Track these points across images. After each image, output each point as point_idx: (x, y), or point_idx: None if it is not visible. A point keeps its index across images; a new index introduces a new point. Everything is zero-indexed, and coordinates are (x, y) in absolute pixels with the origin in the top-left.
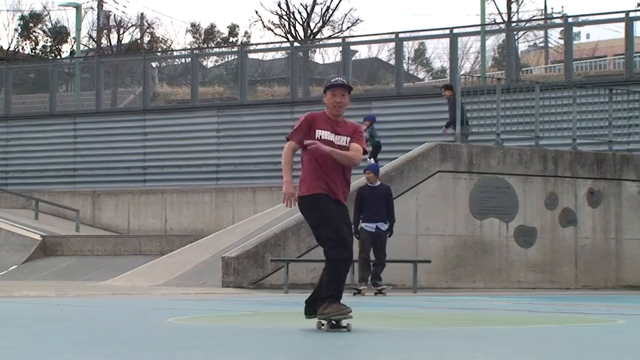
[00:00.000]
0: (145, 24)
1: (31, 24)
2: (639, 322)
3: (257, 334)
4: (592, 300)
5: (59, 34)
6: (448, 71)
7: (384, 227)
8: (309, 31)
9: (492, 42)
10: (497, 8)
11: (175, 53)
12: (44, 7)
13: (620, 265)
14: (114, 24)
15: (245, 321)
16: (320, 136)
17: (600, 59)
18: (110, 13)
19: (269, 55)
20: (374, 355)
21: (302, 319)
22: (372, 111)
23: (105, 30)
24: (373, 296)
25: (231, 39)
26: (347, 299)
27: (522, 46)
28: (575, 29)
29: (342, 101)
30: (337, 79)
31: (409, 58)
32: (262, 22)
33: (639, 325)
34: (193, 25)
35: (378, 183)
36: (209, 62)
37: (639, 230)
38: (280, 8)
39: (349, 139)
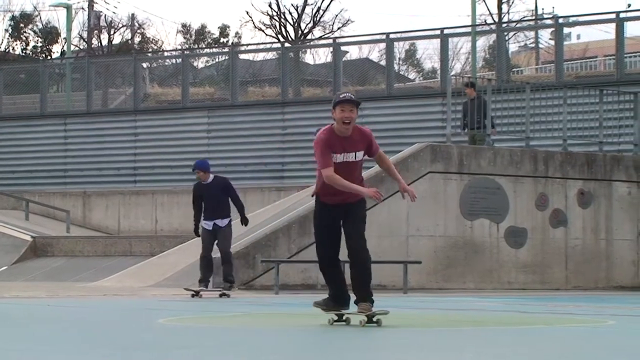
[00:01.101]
0: (136, 24)
1: (22, 25)
2: (629, 322)
3: (248, 334)
4: (582, 301)
5: (50, 34)
6: (439, 72)
7: (222, 223)
8: (300, 32)
9: (482, 42)
10: (488, 9)
11: (166, 54)
12: (35, 8)
13: (611, 266)
14: (105, 24)
15: (236, 322)
16: (336, 159)
17: (591, 59)
18: (101, 13)
19: (260, 56)
20: (364, 354)
21: (292, 319)
22: (363, 111)
23: (96, 31)
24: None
25: (222, 40)
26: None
27: (512, 47)
28: (565, 30)
29: (350, 116)
30: (345, 95)
31: (399, 59)
32: (253, 23)
33: (629, 326)
34: (184, 25)
35: (211, 178)
36: (200, 63)
37: (629, 231)
38: (271, 9)
39: (361, 153)
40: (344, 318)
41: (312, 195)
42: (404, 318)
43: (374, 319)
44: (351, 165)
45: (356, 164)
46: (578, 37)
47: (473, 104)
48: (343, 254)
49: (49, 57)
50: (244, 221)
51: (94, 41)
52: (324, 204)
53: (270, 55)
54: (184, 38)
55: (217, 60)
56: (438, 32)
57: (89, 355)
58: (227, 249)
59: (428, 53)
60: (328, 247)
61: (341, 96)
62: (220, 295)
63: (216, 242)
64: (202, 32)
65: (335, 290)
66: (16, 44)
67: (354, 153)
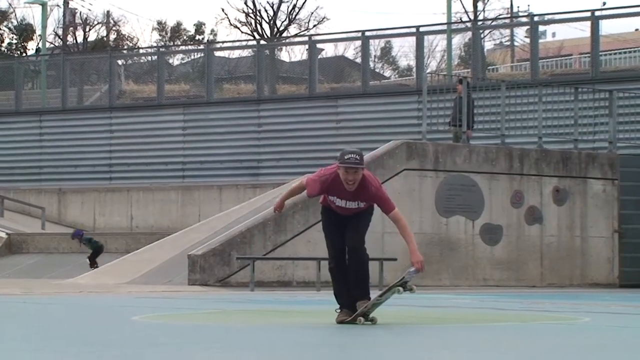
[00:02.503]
0: (112, 21)
1: None
2: (605, 319)
3: (223, 331)
4: (557, 298)
5: (25, 31)
6: (414, 69)
7: None
8: (276, 29)
9: (458, 40)
10: (464, 6)
11: (141, 51)
12: (10, 5)
13: (586, 263)
14: (80, 21)
15: (211, 319)
16: (334, 201)
17: (566, 57)
18: (76, 10)
19: (236, 53)
20: (340, 352)
21: (268, 316)
22: (339, 109)
23: (71, 28)
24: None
25: (197, 37)
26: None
27: (488, 45)
28: (541, 28)
29: (354, 178)
30: (350, 157)
31: (375, 56)
32: (229, 20)
33: (604, 323)
34: (159, 23)
35: None
36: (175, 60)
37: (604, 229)
38: (247, 6)
39: (362, 203)
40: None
41: (308, 196)
42: (378, 315)
43: (370, 317)
44: (351, 209)
45: (358, 209)
46: (553, 35)
47: (461, 102)
48: None
49: (24, 54)
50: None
51: (69, 38)
52: (327, 208)
53: (246, 52)
54: (160, 35)
55: (192, 57)
56: (414, 29)
57: (62, 352)
58: None
59: (404, 51)
60: (338, 246)
61: (346, 157)
62: None
63: None
64: (177, 29)
65: (344, 296)
66: None
67: (356, 202)
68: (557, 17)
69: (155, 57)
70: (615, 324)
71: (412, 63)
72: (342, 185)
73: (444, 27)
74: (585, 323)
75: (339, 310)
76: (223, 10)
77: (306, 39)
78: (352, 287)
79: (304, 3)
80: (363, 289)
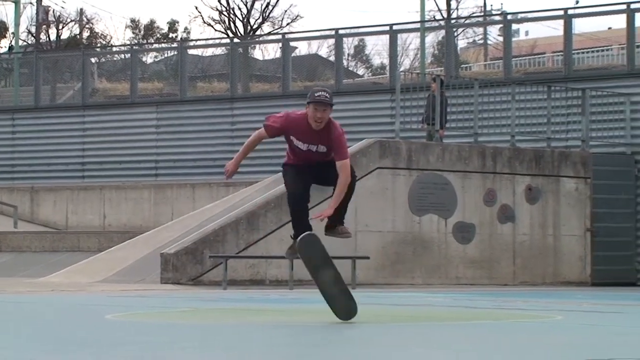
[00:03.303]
0: (85, 19)
1: None
2: (577, 318)
3: (196, 330)
4: (530, 296)
5: None
6: (388, 68)
7: None
8: (249, 27)
9: (431, 38)
10: (437, 5)
11: (114, 49)
12: None
13: (558, 261)
14: (53, 19)
15: (184, 317)
16: (295, 144)
17: (539, 56)
18: (49, 8)
19: (209, 51)
20: (313, 350)
21: (240, 315)
22: None
23: (44, 26)
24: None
25: (171, 35)
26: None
27: (461, 43)
28: (514, 26)
29: (322, 116)
30: (320, 94)
31: (348, 54)
32: (202, 18)
33: (576, 321)
34: (132, 20)
35: None
36: (149, 58)
37: (576, 227)
38: (220, 4)
39: (325, 147)
40: None
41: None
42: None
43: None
44: (315, 153)
45: (321, 154)
46: (526, 33)
47: (435, 100)
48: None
49: None
50: None
51: (42, 36)
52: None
53: (219, 50)
54: (133, 33)
55: (165, 55)
56: (387, 28)
57: (33, 351)
58: None
59: (377, 49)
60: (299, 182)
61: (316, 95)
62: None
63: None
64: (150, 27)
65: (304, 226)
66: None
67: (317, 146)
68: (530, 15)
69: (129, 55)
70: (587, 322)
71: (386, 61)
72: (307, 127)
73: (418, 25)
74: (557, 321)
75: (292, 237)
76: (196, 8)
77: (279, 37)
78: (339, 210)
79: (277, 1)
80: (343, 215)
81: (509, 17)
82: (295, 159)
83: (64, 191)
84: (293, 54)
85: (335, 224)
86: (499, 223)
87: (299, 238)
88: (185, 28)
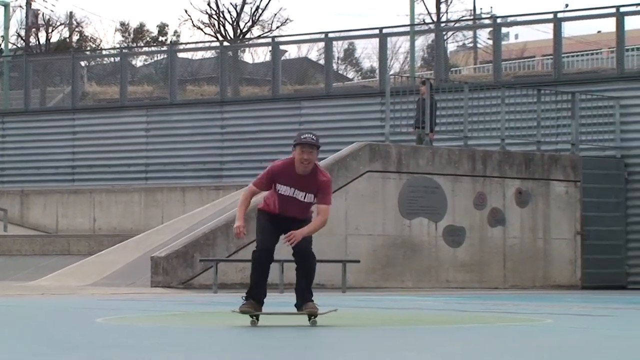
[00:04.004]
0: (74, 22)
1: None
2: (567, 321)
3: (187, 333)
4: (520, 299)
5: None
6: (377, 71)
7: None
8: (239, 31)
9: (421, 42)
10: (427, 8)
11: (104, 52)
12: None
13: (548, 264)
14: (43, 22)
15: (175, 321)
16: (279, 191)
17: (529, 59)
18: (39, 11)
19: (199, 55)
20: (303, 353)
21: (231, 318)
22: (302, 110)
23: (33, 29)
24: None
25: (160, 38)
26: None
27: (451, 46)
28: (504, 30)
29: (309, 158)
30: (306, 136)
31: (338, 58)
32: (192, 22)
33: (566, 324)
34: (122, 24)
35: None
36: (138, 62)
37: (566, 230)
38: (210, 7)
39: (311, 195)
40: (257, 318)
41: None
42: (342, 318)
43: (315, 318)
44: (297, 202)
45: (303, 204)
46: (516, 36)
47: (424, 103)
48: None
49: None
50: None
51: (32, 39)
52: (267, 211)
53: (209, 54)
54: (123, 36)
55: (155, 58)
56: (377, 31)
57: (23, 354)
58: None
59: (367, 52)
60: (269, 239)
61: (302, 137)
62: None
63: None
64: (140, 30)
65: (261, 288)
66: None
67: (304, 193)
68: (519, 19)
69: (118, 58)
70: (578, 325)
71: (375, 65)
72: (293, 172)
73: (407, 28)
74: (547, 324)
75: (244, 298)
76: (186, 11)
77: (269, 40)
78: (301, 290)
79: (267, 4)
80: (310, 291)
81: (498, 20)
82: (273, 206)
83: (54, 194)
84: (283, 58)
85: (301, 303)
86: (489, 226)
87: (242, 305)
88: (175, 31)
